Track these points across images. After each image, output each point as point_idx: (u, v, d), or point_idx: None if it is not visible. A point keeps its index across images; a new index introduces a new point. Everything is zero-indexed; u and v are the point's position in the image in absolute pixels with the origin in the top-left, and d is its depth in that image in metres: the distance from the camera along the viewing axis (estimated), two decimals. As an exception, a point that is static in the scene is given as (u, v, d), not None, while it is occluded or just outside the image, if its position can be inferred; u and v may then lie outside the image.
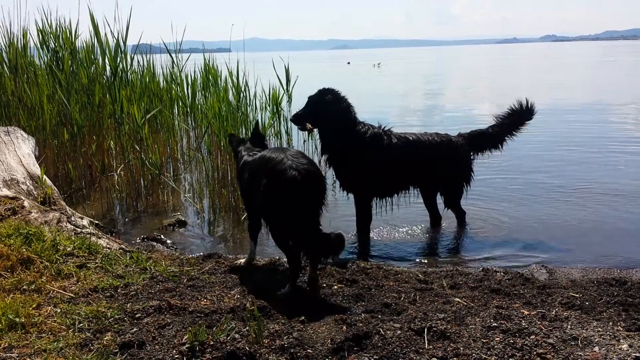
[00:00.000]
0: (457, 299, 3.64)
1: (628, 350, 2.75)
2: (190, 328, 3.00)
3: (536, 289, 3.90)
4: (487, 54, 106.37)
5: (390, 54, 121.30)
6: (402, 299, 3.69)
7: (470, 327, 3.05)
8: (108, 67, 7.41)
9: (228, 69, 7.44)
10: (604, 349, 2.77)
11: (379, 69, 47.98)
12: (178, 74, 8.64)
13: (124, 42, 7.32)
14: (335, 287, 3.94)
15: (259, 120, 7.13)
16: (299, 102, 8.30)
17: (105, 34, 7.32)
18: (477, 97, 20.53)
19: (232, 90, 7.38)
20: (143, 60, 8.45)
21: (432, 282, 4.13)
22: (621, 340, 2.86)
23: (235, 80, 7.11)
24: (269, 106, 7.48)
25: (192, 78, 8.51)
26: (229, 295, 3.71)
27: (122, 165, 7.16)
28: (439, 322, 3.09)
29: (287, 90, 7.06)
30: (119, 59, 7.20)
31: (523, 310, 3.38)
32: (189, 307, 3.44)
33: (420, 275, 4.31)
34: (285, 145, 7.83)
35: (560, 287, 3.94)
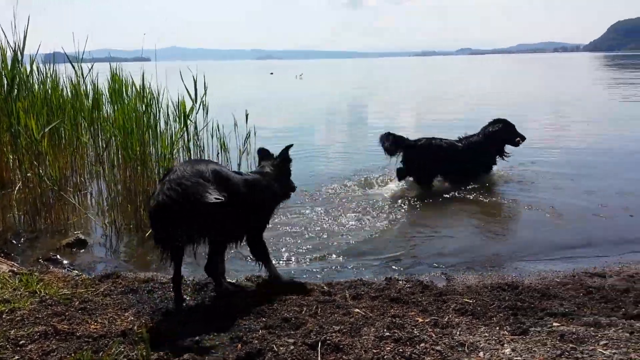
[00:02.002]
0: (357, 310, 3.67)
1: (510, 354, 2.86)
2: (75, 354, 2.85)
3: (433, 296, 4.01)
4: (408, 65, 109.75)
5: (314, 65, 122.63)
6: (303, 312, 3.67)
7: (364, 337, 3.08)
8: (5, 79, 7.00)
9: (130, 79, 7.21)
10: (488, 354, 2.87)
11: (300, 79, 48.37)
12: (84, 85, 8.29)
13: (22, 52, 6.94)
14: (239, 302, 3.87)
15: (173, 133, 6.97)
16: (217, 114, 8.24)
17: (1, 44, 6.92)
18: (399, 108, 21.08)
19: (139, 102, 7.14)
20: (46, 70, 8.05)
21: (335, 294, 4.14)
22: (505, 345, 2.98)
23: (140, 90, 6.88)
24: (179, 118, 7.29)
25: (96, 88, 8.18)
26: (122, 318, 3.56)
27: (21, 182, 6.75)
28: (334, 334, 3.10)
29: (196, 102, 6.90)
30: (15, 70, 6.81)
31: (418, 318, 3.46)
32: (77, 332, 3.27)
33: (324, 287, 4.31)
34: (204, 157, 7.68)
35: (457, 294, 4.07)
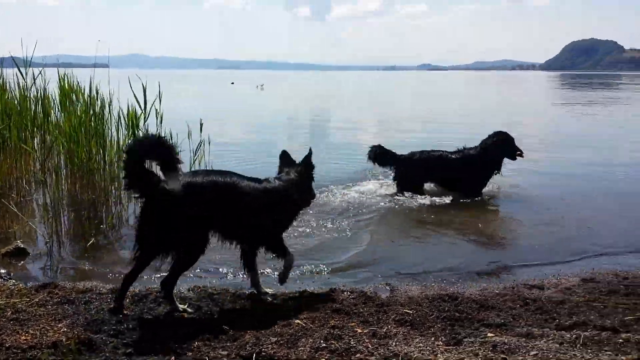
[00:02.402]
0: (298, 321, 3.66)
1: (443, 364, 2.90)
2: (0, 367, 2.75)
3: (375, 307, 4.03)
4: (369, 79, 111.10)
5: (276, 77, 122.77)
6: (243, 323, 3.64)
7: (300, 349, 3.08)
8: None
9: (82, 86, 7.08)
10: (420, 364, 2.91)
11: (261, 90, 48.37)
12: (34, 90, 8.09)
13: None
14: (177, 314, 3.81)
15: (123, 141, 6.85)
16: (173, 122, 8.10)
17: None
18: (360, 121, 21.27)
19: (87, 109, 7.01)
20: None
21: (280, 304, 4.12)
22: (438, 355, 3.02)
23: (87, 98, 6.77)
24: (128, 126, 7.18)
25: (42, 95, 7.99)
26: (55, 329, 3.45)
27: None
28: (270, 346, 3.08)
29: (145, 110, 6.80)
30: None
31: (357, 329, 3.47)
32: (6, 343, 3.17)
33: (269, 298, 4.29)
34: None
35: (398, 304, 4.10)
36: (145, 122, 6.87)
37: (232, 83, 65.26)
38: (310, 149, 4.63)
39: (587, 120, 20.78)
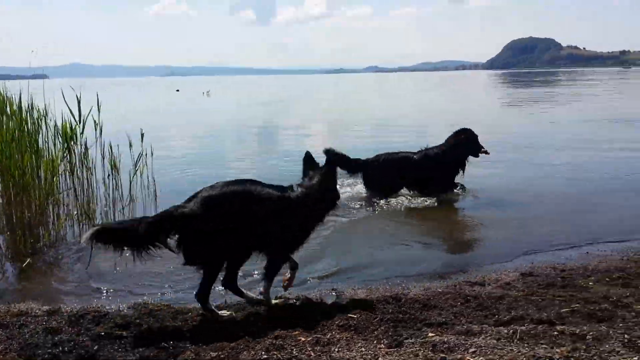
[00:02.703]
0: (242, 333, 3.61)
1: (383, 367, 2.92)
2: None
3: (320, 313, 4.02)
4: (317, 82, 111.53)
5: (222, 82, 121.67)
6: (185, 337, 3.57)
7: (241, 362, 3.03)
8: None
9: (6, 99, 6.80)
10: (361, 369, 2.91)
11: (207, 96, 47.87)
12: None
13: None
14: (114, 334, 3.70)
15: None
16: (114, 133, 7.90)
17: None
18: (308, 126, 21.29)
19: (22, 122, 6.74)
20: None
21: (222, 317, 4.06)
22: (380, 358, 3.03)
23: (19, 111, 6.51)
24: (64, 139, 6.96)
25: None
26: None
27: None
28: (210, 360, 3.03)
29: (80, 122, 6.61)
30: None
31: (301, 338, 3.45)
32: None
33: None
34: (83, 178, 7.36)
35: (344, 309, 4.10)
36: (81, 134, 6.66)
37: (178, 90, 64.33)
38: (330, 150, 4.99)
39: (534, 120, 21.44)
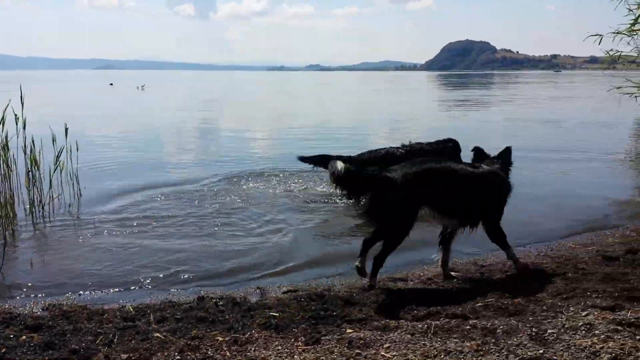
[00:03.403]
0: (157, 334, 3.52)
1: (297, 365, 2.91)
2: None
3: (242, 313, 3.98)
4: (257, 79, 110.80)
5: (158, 76, 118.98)
6: (98, 341, 3.44)
7: (152, 364, 2.95)
8: None
9: None
10: (275, 367, 2.89)
11: (142, 91, 46.70)
12: None
13: None
14: (23, 337, 3.52)
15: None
16: (39, 127, 7.52)
17: None
18: (246, 122, 21.08)
19: None
20: None
21: (139, 318, 3.94)
22: (295, 356, 3.02)
23: None
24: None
25: None
26: None
27: None
28: (120, 364, 2.93)
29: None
30: None
31: (219, 337, 3.40)
32: None
33: (131, 311, 4.09)
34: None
35: (266, 308, 4.07)
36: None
37: (111, 84, 62.51)
38: (509, 147, 5.17)
39: (468, 119, 22.06)
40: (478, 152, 5.22)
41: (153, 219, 6.89)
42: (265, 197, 8.06)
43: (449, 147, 8.31)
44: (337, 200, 7.76)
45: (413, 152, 8.19)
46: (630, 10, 10.02)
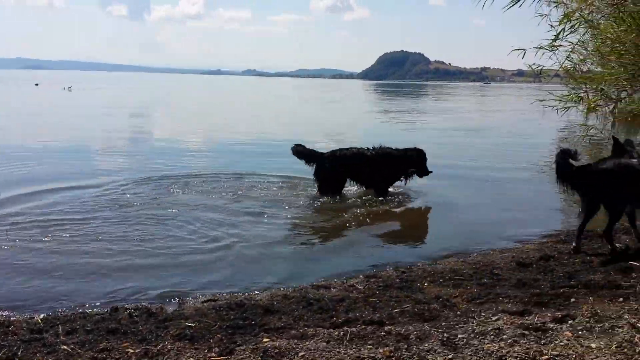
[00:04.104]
0: (65, 347, 3.37)
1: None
2: None
3: (157, 323, 3.87)
4: (188, 83, 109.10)
5: (88, 77, 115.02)
6: (0, 355, 3.25)
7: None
8: None
9: None
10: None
11: (69, 92, 45.01)
12: None
13: None
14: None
15: None
16: None
17: None
18: (174, 126, 20.65)
19: None
20: None
21: (47, 330, 3.75)
22: (204, 367, 2.96)
23: None
24: None
25: None
26: None
27: None
28: (18, 379, 2.77)
29: None
30: None
31: (129, 350, 3.29)
32: None
33: (39, 323, 3.90)
34: None
35: (182, 318, 3.97)
36: None
37: (37, 84, 59.87)
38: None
39: (398, 128, 22.50)
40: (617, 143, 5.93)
41: (65, 225, 6.60)
42: (192, 203, 7.90)
43: (413, 155, 8.83)
44: (266, 210, 7.71)
45: (380, 154, 8.73)
46: (552, 26, 10.50)
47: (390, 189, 8.93)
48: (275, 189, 9.04)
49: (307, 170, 8.89)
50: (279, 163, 11.21)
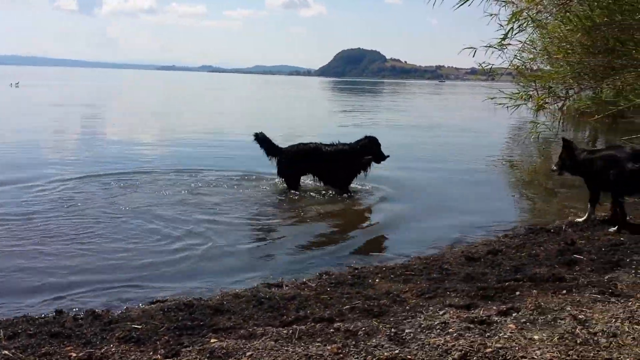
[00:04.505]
0: (6, 352, 3.25)
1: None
2: None
3: (102, 326, 3.77)
4: (141, 78, 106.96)
5: (39, 73, 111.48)
6: None
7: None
8: None
9: None
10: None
11: (16, 88, 43.51)
12: None
13: None
14: None
15: None
16: None
17: None
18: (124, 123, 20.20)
19: None
20: None
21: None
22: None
23: None
24: None
25: None
26: None
27: None
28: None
29: None
30: None
31: (72, 354, 3.21)
32: None
33: None
34: None
35: (129, 320, 3.88)
36: None
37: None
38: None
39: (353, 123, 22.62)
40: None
41: (6, 224, 6.38)
42: (140, 200, 7.75)
43: (366, 144, 8.94)
44: (218, 207, 7.63)
45: (337, 150, 8.89)
46: (501, 25, 10.72)
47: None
48: (226, 186, 8.96)
49: (257, 166, 8.87)
50: (233, 160, 11.17)
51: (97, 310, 4.13)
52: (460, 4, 9.75)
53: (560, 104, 16.87)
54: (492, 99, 14.41)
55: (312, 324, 3.61)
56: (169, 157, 12.04)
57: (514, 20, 10.35)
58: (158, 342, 3.41)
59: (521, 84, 14.69)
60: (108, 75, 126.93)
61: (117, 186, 8.59)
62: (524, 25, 10.81)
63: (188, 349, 3.19)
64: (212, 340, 3.36)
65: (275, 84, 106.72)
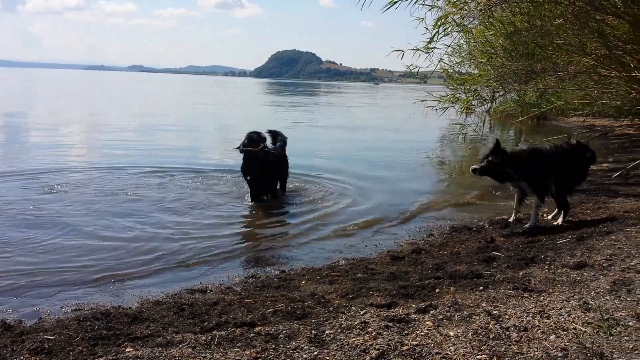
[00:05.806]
0: None
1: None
2: None
3: (12, 337, 3.58)
4: (67, 78, 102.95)
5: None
6: None
7: None
8: None
9: None
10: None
11: None
12: None
13: None
14: None
15: None
16: None
17: None
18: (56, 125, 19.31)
19: None
20: None
21: None
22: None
23: None
24: None
25: None
26: None
27: None
28: None
29: None
30: None
31: (-25, 369, 3.01)
32: None
33: None
34: None
35: (42, 331, 3.71)
36: None
37: None
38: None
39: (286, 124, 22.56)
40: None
41: None
42: (61, 201, 7.44)
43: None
44: (147, 209, 7.43)
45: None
46: (427, 29, 10.99)
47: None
48: (155, 185, 8.74)
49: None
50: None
51: (8, 321, 3.93)
52: (388, 7, 9.92)
53: (487, 106, 17.53)
54: (422, 101, 14.77)
55: (233, 329, 3.56)
56: (88, 155, 11.65)
57: (439, 24, 10.64)
58: (71, 353, 3.27)
59: (450, 87, 15.16)
60: (30, 75, 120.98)
61: (38, 186, 8.22)
62: (449, 29, 11.13)
63: (102, 358, 3.07)
64: (127, 350, 3.25)
65: (210, 84, 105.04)
